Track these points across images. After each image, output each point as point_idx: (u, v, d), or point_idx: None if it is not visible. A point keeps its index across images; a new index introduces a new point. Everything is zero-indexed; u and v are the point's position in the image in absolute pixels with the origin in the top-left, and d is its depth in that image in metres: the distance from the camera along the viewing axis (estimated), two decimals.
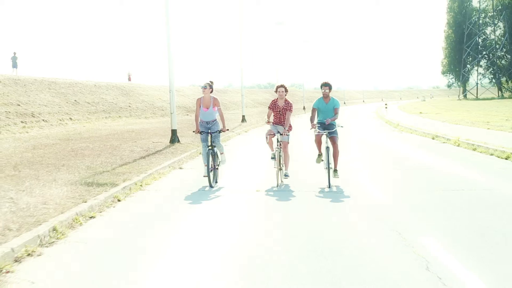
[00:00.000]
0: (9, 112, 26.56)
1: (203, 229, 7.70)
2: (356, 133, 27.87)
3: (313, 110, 11.73)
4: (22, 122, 25.87)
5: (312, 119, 11.59)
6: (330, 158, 11.30)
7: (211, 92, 11.92)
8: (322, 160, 11.81)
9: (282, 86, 11.78)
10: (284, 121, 11.75)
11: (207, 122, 11.88)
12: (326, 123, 11.47)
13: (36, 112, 28.52)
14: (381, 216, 8.12)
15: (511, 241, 6.60)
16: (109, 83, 47.81)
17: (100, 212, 8.75)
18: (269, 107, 11.99)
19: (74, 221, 7.86)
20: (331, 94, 11.77)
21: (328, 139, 11.39)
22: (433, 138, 22.43)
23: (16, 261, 6.05)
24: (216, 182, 11.60)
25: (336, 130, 11.52)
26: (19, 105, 28.53)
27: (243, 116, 38.55)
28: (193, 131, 11.94)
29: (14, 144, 18.36)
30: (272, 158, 11.60)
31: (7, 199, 8.78)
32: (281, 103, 11.77)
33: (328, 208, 8.80)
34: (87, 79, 46.01)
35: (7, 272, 5.69)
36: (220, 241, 6.94)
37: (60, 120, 29.65)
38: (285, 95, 11.71)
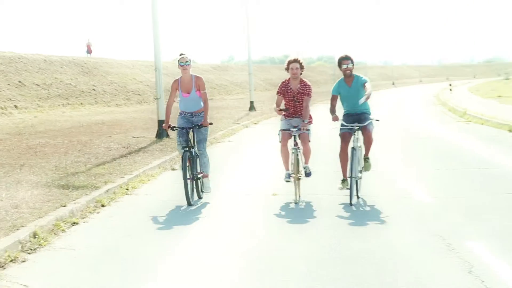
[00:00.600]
0: None
1: (205, 237, 9.20)
2: (404, 123, 29.32)
3: (333, 98, 11.73)
4: None
5: (332, 110, 11.53)
6: (355, 164, 11.19)
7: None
8: (347, 188, 11.46)
9: (295, 60, 11.79)
10: (301, 111, 11.81)
11: (191, 113, 11.93)
12: (356, 111, 11.44)
13: None
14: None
15: None
16: (64, 57, 49.56)
17: (83, 218, 10.26)
18: (278, 91, 11.95)
19: (55, 226, 9.38)
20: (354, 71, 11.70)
21: (359, 136, 11.41)
22: (510, 131, 23.84)
23: None
24: (200, 197, 11.81)
25: (371, 123, 11.57)
26: None
27: (251, 103, 40.09)
28: (162, 126, 12.30)
29: None
30: (286, 179, 11.70)
31: None
32: (294, 86, 11.80)
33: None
34: (33, 52, 47.73)
35: None
36: (225, 258, 8.45)
37: (2, 108, 31.32)
38: (300, 73, 11.74)
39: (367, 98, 11.24)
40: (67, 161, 15.46)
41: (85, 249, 8.51)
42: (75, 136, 21.43)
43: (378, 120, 11.83)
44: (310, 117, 11.85)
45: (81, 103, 39.84)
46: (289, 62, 11.76)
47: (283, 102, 11.91)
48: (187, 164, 11.34)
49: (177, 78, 11.88)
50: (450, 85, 53.95)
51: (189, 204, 11.12)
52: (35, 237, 8.71)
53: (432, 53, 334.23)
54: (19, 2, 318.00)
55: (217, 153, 19.18)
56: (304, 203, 11.19)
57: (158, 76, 21.92)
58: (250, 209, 11.01)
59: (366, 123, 11.44)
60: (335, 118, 11.44)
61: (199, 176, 11.78)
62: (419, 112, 38.89)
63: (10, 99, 33.57)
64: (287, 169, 11.76)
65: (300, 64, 11.78)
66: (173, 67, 69.45)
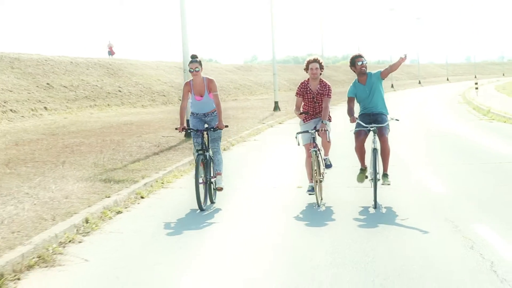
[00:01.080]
0: None
1: (236, 223, 10.51)
2: (426, 122, 30.46)
3: (349, 100, 11.82)
4: None
5: (350, 111, 11.59)
6: (379, 165, 11.34)
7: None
8: (367, 177, 11.86)
9: (315, 60, 11.93)
10: (320, 112, 11.94)
11: (204, 114, 12.14)
12: (373, 111, 11.54)
13: (3, 100, 31.75)
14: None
15: None
16: (89, 59, 51.12)
17: (126, 207, 11.62)
18: (297, 93, 12.13)
19: (103, 214, 10.72)
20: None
21: (376, 136, 11.43)
22: None
23: (61, 245, 8.89)
24: (213, 202, 11.96)
25: (388, 124, 11.65)
26: None
27: (276, 103, 41.35)
28: (176, 128, 12.21)
29: None
30: (309, 193, 11.79)
31: (23, 194, 11.69)
32: (314, 86, 11.94)
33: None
34: (59, 54, 49.33)
35: (60, 253, 8.54)
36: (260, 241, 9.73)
37: (33, 110, 32.84)
38: (320, 73, 11.87)
39: (402, 60, 11.28)
40: (104, 158, 16.82)
41: (132, 233, 9.84)
42: (107, 136, 22.81)
43: (398, 120, 12.05)
44: (329, 118, 12.02)
45: (108, 104, 41.32)
46: (309, 62, 11.91)
47: (303, 104, 12.08)
48: (201, 167, 11.57)
49: (188, 81, 12.10)
50: (476, 84, 54.81)
51: (201, 209, 11.29)
52: (87, 222, 10.05)
53: (461, 51, 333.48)
54: (40, 5, 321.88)
55: (244, 151, 20.50)
56: (325, 206, 11.43)
57: (186, 78, 23.23)
58: (278, 201, 12.25)
59: (384, 124, 11.51)
60: (353, 120, 11.48)
61: (212, 180, 11.93)
62: (443, 111, 39.91)
63: (39, 101, 35.09)
64: (310, 181, 11.86)
65: (320, 64, 11.90)
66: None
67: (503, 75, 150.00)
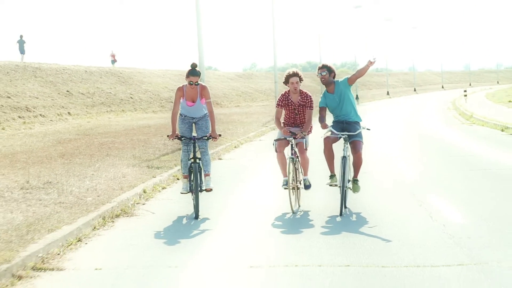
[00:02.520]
0: (2, 105, 33.53)
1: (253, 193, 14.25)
2: (412, 126, 34.31)
3: (321, 109, 12.02)
4: (19, 117, 32.85)
5: (321, 119, 11.78)
6: (347, 173, 11.50)
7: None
8: (336, 184, 12.07)
9: (295, 74, 12.01)
10: (301, 123, 12.26)
11: (193, 118, 12.30)
12: (346, 118, 11.91)
13: (30, 106, 35.53)
14: None
15: None
16: (101, 68, 55.01)
17: (168, 184, 15.35)
18: (277, 104, 12.29)
19: (154, 188, 14.45)
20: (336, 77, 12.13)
21: (348, 145, 11.71)
22: (502, 130, 28.61)
23: (132, 205, 12.60)
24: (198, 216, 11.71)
25: (360, 133, 11.89)
26: (9, 97, 35.54)
27: None
28: (168, 136, 12.43)
29: (32, 140, 25.12)
30: (284, 186, 12.07)
31: (91, 174, 15.41)
32: (295, 98, 12.17)
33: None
34: (74, 63, 53.12)
35: (133, 209, 12.28)
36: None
37: (59, 115, 36.61)
38: (299, 86, 12.08)
39: (367, 68, 11.59)
40: (139, 152, 20.51)
41: (179, 198, 13.51)
42: (133, 136, 26.51)
43: (369, 129, 12.35)
44: (310, 128, 12.32)
45: (122, 110, 45.12)
46: (288, 76, 12.01)
47: (284, 115, 12.38)
48: (192, 176, 11.95)
49: (181, 86, 12.16)
50: (465, 91, 58.65)
51: (196, 217, 11.58)
52: (145, 192, 13.78)
53: (459, 59, 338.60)
54: (39, 14, 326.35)
55: (253, 149, 24.30)
56: (302, 212, 11.90)
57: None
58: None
59: (355, 132, 11.79)
60: (325, 126, 11.70)
61: (204, 188, 12.17)
62: (431, 116, 43.66)
63: (63, 107, 38.87)
64: (284, 175, 12.14)
65: (300, 77, 12.05)
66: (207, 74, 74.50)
67: (498, 82, 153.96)
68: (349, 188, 11.79)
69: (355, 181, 11.95)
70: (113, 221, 11.38)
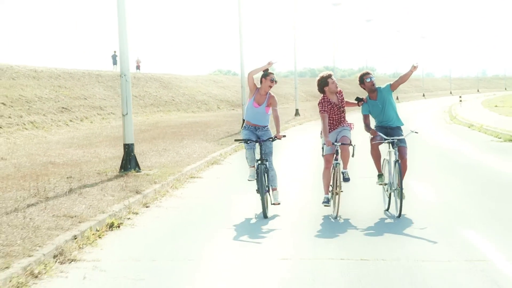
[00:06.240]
0: (82, 105, 43.27)
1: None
2: (407, 123, 43.71)
3: (365, 117, 12.35)
4: (98, 114, 42.62)
5: (367, 127, 12.20)
6: (399, 176, 11.68)
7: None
8: (385, 183, 12.40)
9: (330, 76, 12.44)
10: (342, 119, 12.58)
11: (255, 127, 12.91)
12: (389, 124, 12.38)
13: (102, 106, 45.29)
14: None
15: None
16: (146, 74, 64.89)
17: (230, 154, 24.77)
18: (323, 110, 12.49)
19: (221, 156, 23.82)
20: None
21: (395, 148, 11.92)
22: (469, 127, 37.90)
23: (200, 170, 21.72)
24: (266, 216, 12.37)
25: (405, 139, 12.19)
26: (85, 99, 45.30)
27: (297, 110, 54.66)
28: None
29: (119, 130, 34.71)
30: (325, 204, 12.26)
31: (185, 146, 24.88)
32: (334, 99, 12.65)
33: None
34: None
35: (200, 175, 21.75)
36: None
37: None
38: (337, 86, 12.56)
39: (409, 75, 12.08)
40: (204, 137, 29.96)
41: (238, 164, 22.96)
42: (191, 128, 36.04)
43: (417, 132, 12.95)
44: (351, 124, 12.78)
45: (169, 110, 54.91)
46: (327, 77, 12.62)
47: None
48: (261, 177, 12.43)
49: (258, 87, 12.86)
50: (460, 97, 67.83)
51: (266, 216, 12.20)
52: (220, 156, 23.27)
53: (475, 65, 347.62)
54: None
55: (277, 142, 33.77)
56: (342, 219, 12.09)
57: (244, 93, 36.47)
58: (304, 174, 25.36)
59: (403, 137, 12.25)
60: (374, 132, 12.21)
61: (269, 188, 12.77)
62: (426, 117, 52.83)
63: None
64: (326, 193, 12.34)
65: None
66: (226, 80, 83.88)
67: (505, 89, 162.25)
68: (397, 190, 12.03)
69: (401, 188, 11.90)
70: (212, 165, 20.92)
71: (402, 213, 11.99)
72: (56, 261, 9.18)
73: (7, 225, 10.54)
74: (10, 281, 8.03)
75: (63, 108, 40.40)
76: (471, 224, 11.46)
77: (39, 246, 9.39)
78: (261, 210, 12.50)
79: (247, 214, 12.85)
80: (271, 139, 12.66)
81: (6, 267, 8.32)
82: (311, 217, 12.44)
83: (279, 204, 12.71)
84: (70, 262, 9.28)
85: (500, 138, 28.97)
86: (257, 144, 12.68)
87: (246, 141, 12.68)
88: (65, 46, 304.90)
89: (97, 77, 53.38)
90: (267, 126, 12.99)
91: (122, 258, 9.67)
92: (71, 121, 38.78)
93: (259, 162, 12.48)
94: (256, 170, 12.53)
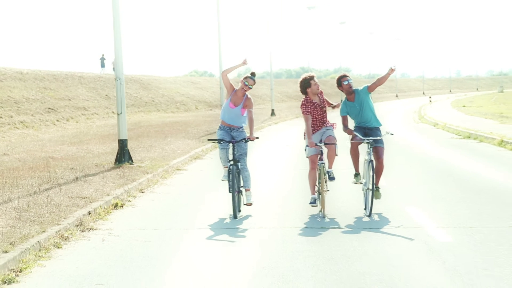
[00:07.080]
0: (67, 106, 45.40)
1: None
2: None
3: (343, 118, 12.65)
4: (82, 114, 44.80)
5: (345, 128, 12.49)
6: (373, 176, 12.17)
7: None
8: (360, 183, 12.94)
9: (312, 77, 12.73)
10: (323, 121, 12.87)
11: (230, 128, 13.07)
12: (367, 125, 12.79)
13: (86, 106, 47.45)
14: None
15: None
16: (126, 75, 67.02)
17: (211, 150, 27.17)
18: (306, 111, 12.65)
19: (202, 152, 26.20)
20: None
21: (371, 150, 12.28)
22: (434, 126, 40.49)
23: (184, 164, 24.10)
24: (239, 210, 12.77)
25: (382, 139, 12.58)
26: (69, 99, 47.44)
27: (272, 110, 57.09)
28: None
29: (106, 129, 36.94)
30: (312, 204, 12.50)
31: (169, 143, 27.22)
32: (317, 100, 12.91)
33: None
34: (107, 72, 65.30)
35: (185, 168, 24.09)
36: None
37: (106, 113, 48.51)
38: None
39: (387, 76, 12.47)
40: (185, 135, 32.31)
41: (216, 159, 25.37)
42: (172, 127, 38.31)
43: (392, 134, 13.47)
44: (334, 124, 13.12)
45: (149, 111, 57.16)
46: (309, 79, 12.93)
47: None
48: (231, 178, 12.59)
49: (236, 88, 13.04)
50: (430, 97, 70.68)
51: (235, 217, 12.46)
52: (202, 152, 25.64)
53: (449, 67, 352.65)
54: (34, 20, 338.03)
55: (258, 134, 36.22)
56: (328, 218, 12.41)
57: (222, 94, 38.71)
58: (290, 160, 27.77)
59: (378, 138, 12.60)
60: (350, 132, 12.52)
61: (245, 202, 13.01)
62: (396, 117, 55.46)
63: (106, 107, 50.81)
64: (313, 193, 12.58)
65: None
66: (203, 81, 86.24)
67: (477, 89, 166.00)
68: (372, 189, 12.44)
69: (377, 188, 12.59)
70: (195, 159, 23.28)
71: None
72: (78, 229, 11.59)
73: (33, 204, 12.94)
74: (48, 240, 10.49)
75: (49, 108, 42.53)
76: (414, 203, 13.91)
77: (64, 218, 11.83)
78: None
79: (228, 199, 14.49)
80: (244, 140, 12.75)
81: (43, 231, 10.75)
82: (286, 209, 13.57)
83: (251, 204, 12.98)
84: (89, 230, 11.70)
85: (460, 135, 31.71)
86: (230, 144, 12.87)
87: (219, 141, 12.88)
88: (48, 47, 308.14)
89: (80, 79, 55.51)
90: (242, 127, 13.16)
91: (130, 228, 12.01)
92: (58, 121, 40.92)
93: (232, 162, 12.68)
94: (228, 171, 12.76)
